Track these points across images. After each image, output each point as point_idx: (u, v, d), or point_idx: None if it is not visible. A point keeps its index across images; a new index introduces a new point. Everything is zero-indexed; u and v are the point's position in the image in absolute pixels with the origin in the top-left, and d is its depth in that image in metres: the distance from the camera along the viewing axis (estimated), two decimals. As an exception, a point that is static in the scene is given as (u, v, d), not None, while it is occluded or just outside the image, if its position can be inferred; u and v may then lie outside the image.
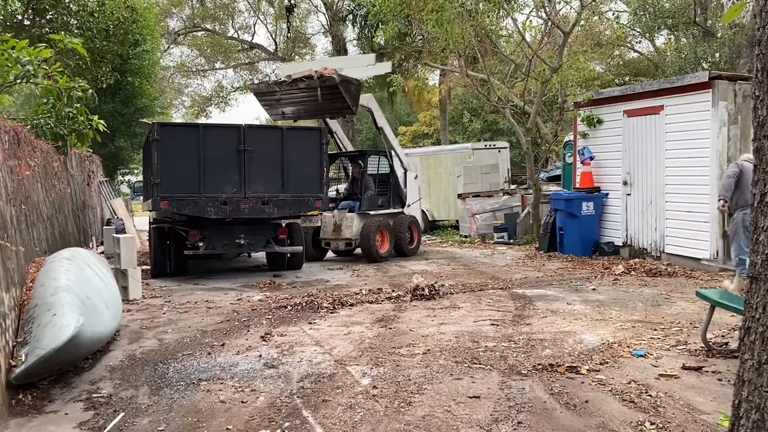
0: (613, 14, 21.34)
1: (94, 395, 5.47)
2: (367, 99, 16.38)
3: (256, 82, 15.31)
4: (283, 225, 12.65)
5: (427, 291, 9.64)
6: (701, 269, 11.33)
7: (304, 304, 9.13)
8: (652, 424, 4.59)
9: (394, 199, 15.41)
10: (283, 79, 14.08)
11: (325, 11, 31.71)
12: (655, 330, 7.34)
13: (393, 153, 15.49)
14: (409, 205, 15.67)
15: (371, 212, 14.47)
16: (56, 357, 5.30)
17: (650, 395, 5.18)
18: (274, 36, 33.31)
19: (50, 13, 17.01)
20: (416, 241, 15.53)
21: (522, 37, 17.53)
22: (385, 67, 15.73)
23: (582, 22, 17.93)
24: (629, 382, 5.49)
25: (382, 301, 9.48)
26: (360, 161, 15.29)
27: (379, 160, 15.43)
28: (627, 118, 13.14)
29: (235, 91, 37.05)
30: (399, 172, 15.60)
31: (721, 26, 22.84)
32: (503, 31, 20.40)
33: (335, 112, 14.88)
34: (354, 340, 7.17)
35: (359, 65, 15.16)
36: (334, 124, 15.93)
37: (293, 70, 14.42)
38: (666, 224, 12.24)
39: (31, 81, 9.42)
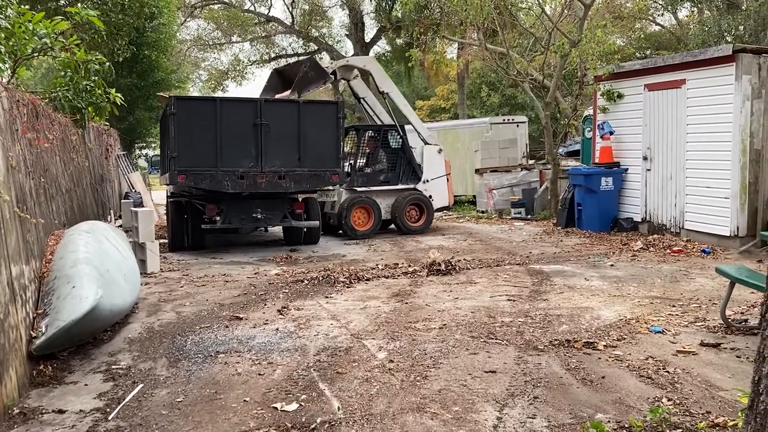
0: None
1: (113, 367, 5.53)
2: (365, 61, 15.92)
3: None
4: (300, 199, 12.65)
5: (443, 266, 9.63)
6: (721, 246, 11.22)
7: (320, 279, 9.16)
8: (669, 400, 4.57)
9: (406, 174, 14.84)
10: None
11: (342, -18, 31.44)
12: (674, 306, 7.29)
13: (406, 125, 15.03)
14: (427, 181, 14.92)
15: (359, 188, 14.05)
16: (75, 328, 5.36)
17: (668, 371, 5.15)
18: (290, 9, 33.04)
19: (65, -15, 16.96)
20: (424, 218, 14.81)
21: (542, 9, 17.28)
22: None
23: (603, -5, 17.61)
24: (647, 359, 5.47)
25: (399, 276, 9.48)
26: (374, 135, 14.96)
27: (384, 133, 14.87)
28: (648, 92, 12.94)
29: (251, 64, 36.89)
30: (417, 145, 15.10)
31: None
32: (523, 3, 20.08)
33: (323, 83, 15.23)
34: (370, 314, 7.19)
35: None
36: (364, 91, 15.23)
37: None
38: (686, 200, 12.09)
39: (49, 54, 9.42)
